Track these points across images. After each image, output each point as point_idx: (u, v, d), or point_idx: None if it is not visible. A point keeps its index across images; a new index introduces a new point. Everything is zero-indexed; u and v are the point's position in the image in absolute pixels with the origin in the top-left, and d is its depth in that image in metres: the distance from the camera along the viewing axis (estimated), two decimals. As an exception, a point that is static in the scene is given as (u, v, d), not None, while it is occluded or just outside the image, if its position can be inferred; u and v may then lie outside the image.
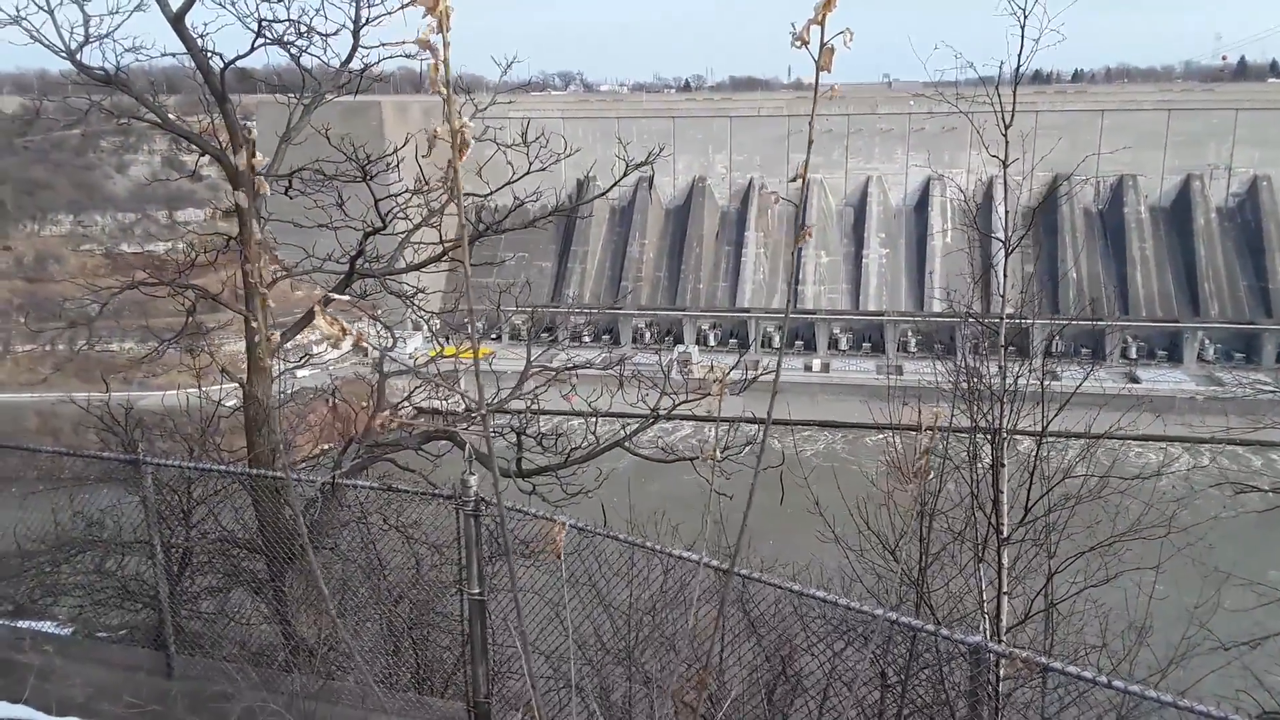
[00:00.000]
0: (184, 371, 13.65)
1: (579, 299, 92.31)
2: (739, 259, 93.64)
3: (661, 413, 11.10)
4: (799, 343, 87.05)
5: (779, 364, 2.89)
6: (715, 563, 6.88)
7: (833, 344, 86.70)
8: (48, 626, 11.89)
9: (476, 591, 9.28)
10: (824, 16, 1.96)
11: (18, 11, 10.80)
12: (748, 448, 10.62)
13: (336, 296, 10.81)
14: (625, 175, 12.36)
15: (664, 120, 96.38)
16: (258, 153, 4.06)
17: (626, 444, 11.56)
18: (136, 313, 19.06)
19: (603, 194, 13.86)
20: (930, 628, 7.29)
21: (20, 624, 11.57)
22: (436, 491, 9.49)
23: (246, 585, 12.24)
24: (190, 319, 12.09)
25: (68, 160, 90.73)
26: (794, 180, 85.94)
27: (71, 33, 11.09)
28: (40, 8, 11.06)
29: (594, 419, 12.36)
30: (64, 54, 11.17)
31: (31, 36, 11.21)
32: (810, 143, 1.86)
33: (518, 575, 9.88)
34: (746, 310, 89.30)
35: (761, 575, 8.07)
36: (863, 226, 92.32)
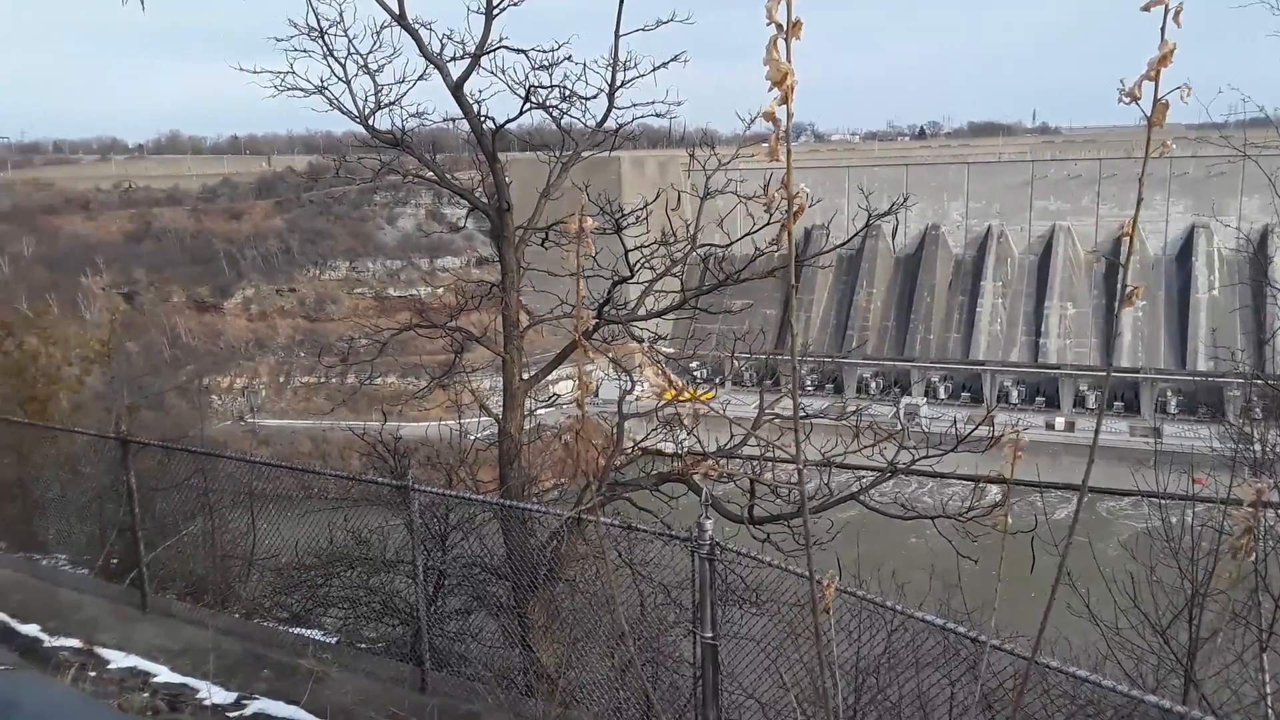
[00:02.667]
0: (447, 406, 14.70)
1: (803, 347, 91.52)
2: (974, 309, 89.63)
3: (900, 467, 10.84)
4: (1040, 399, 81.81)
5: (1098, 424, 2.82)
6: (974, 634, 6.63)
7: (1079, 401, 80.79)
8: (317, 634, 12.94)
9: (709, 635, 9.37)
10: (1158, 71, 1.95)
11: (321, 82, 12.34)
12: (995, 510, 10.15)
13: (665, 350, 11.42)
14: (868, 226, 12.29)
15: (896, 168, 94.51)
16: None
17: (861, 497, 11.37)
18: (398, 350, 20.87)
19: (843, 244, 13.87)
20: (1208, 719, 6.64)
21: (295, 630, 12.74)
22: (673, 533, 9.72)
23: (492, 609, 12.91)
24: (458, 359, 13.13)
25: (346, 213, 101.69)
26: (1112, 239, 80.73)
27: (365, 101, 12.54)
28: (339, 79, 12.57)
29: (828, 469, 12.23)
30: (358, 119, 12.60)
31: (331, 104, 12.74)
32: (1139, 200, 1.86)
33: (745, 622, 9.95)
34: (981, 363, 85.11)
35: (1014, 648, 7.68)
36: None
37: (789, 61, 1.55)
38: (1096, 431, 2.77)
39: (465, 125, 13.18)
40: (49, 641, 10.92)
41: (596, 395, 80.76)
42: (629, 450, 13.86)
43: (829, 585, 2.51)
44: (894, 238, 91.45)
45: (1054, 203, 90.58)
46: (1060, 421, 77.72)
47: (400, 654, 12.61)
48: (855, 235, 13.61)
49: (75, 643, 10.79)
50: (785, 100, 1.60)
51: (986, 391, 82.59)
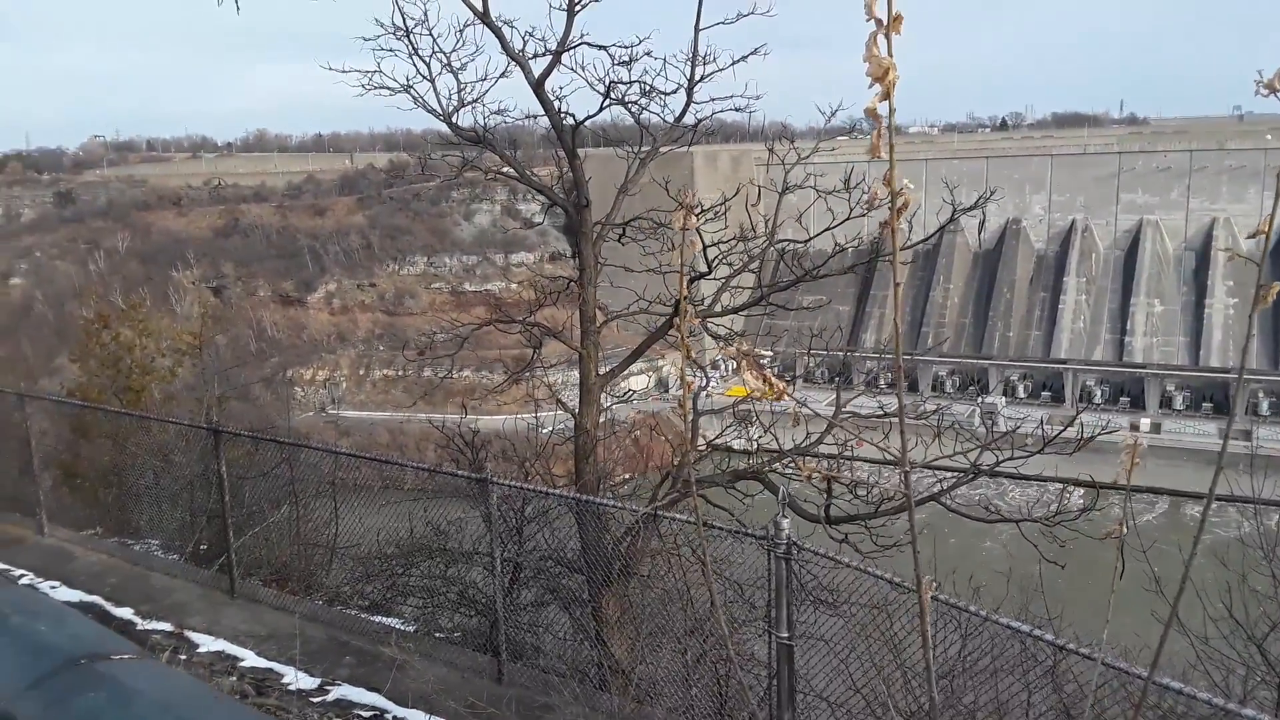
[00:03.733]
0: (521, 400, 14.82)
1: (876, 344, 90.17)
2: (1056, 306, 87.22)
3: (984, 468, 10.58)
4: (1124, 399, 79.24)
5: (1228, 431, 2.70)
6: (1063, 643, 6.43)
7: (1165, 402, 78.05)
8: (395, 622, 13.18)
9: (785, 636, 9.30)
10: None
11: (407, 81, 12.56)
12: (1083, 514, 9.85)
13: (761, 352, 11.41)
14: (952, 220, 12.03)
15: (976, 161, 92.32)
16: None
17: (943, 499, 11.14)
18: (472, 344, 21.20)
19: (927, 239, 13.52)
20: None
21: (375, 618, 13.00)
22: (749, 531, 9.66)
23: (566, 602, 13.01)
24: (535, 354, 13.26)
25: (425, 209, 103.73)
26: (1251, 237, 77.30)
27: (448, 98, 12.72)
28: (424, 77, 12.77)
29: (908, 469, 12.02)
30: (441, 117, 12.79)
31: (415, 102, 12.95)
32: (1278, 194, 1.76)
33: (820, 623, 9.84)
34: (1063, 361, 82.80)
35: (1099, 656, 7.43)
36: (1205, 273, 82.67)
37: (890, 56, 1.51)
38: (1226, 434, 2.64)
39: (540, 121, 13.30)
40: (142, 624, 11.36)
41: (666, 390, 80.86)
42: (703, 447, 13.82)
43: (927, 591, 2.46)
44: (981, 233, 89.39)
45: (1141, 196, 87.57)
46: (1146, 423, 75.18)
47: (476, 644, 12.76)
48: (940, 230, 13.33)
49: (167, 626, 11.21)
50: (887, 96, 1.55)
51: (1068, 391, 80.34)
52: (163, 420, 15.95)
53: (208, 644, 10.79)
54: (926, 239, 12.32)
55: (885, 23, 1.44)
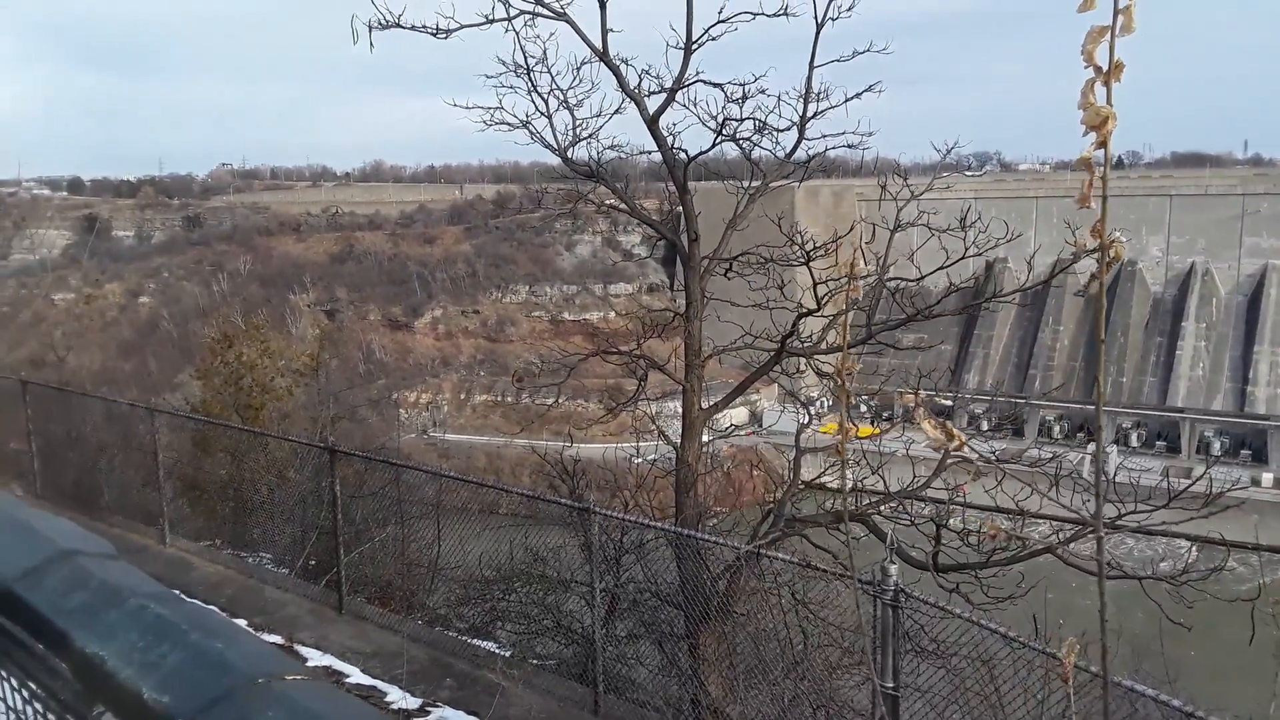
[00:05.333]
0: (620, 431, 14.86)
1: (979, 385, 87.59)
2: (1173, 352, 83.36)
3: (1106, 521, 10.10)
4: (1245, 451, 74.89)
5: None
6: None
7: (1292, 457, 73.48)
8: (492, 646, 13.30)
9: (890, 685, 9.04)
10: None
11: (526, 118, 12.88)
12: (1212, 574, 9.31)
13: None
14: (1075, 260, 11.62)
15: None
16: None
17: (1058, 551, 10.69)
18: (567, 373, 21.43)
19: (1049, 279, 13.03)
20: None
21: (475, 641, 13.15)
22: (854, 575, 9.45)
23: (661, 636, 12.92)
24: (641, 385, 13.33)
25: (528, 239, 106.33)
26: None
27: (565, 134, 13.00)
28: (542, 113, 13.08)
29: (1021, 519, 11.58)
30: (557, 152, 13.07)
31: (532, 137, 13.28)
32: None
33: (926, 674, 9.52)
34: (1179, 410, 78.92)
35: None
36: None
37: (1110, 105, 1.46)
38: None
39: (642, 154, 13.46)
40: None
41: (761, 425, 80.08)
42: (802, 485, 13.61)
43: (1069, 654, 2.35)
44: (1090, 279, 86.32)
45: (1267, 240, 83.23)
46: (1268, 477, 70.90)
47: (571, 673, 12.78)
48: (1060, 270, 12.92)
49: (278, 639, 11.56)
50: (1103, 144, 1.51)
51: (1184, 441, 76.44)
52: (281, 438, 16.57)
53: (316, 659, 11.08)
54: (1050, 278, 11.91)
55: (1105, 70, 1.40)
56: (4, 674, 2.33)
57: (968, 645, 9.21)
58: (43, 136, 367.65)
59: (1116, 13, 1.37)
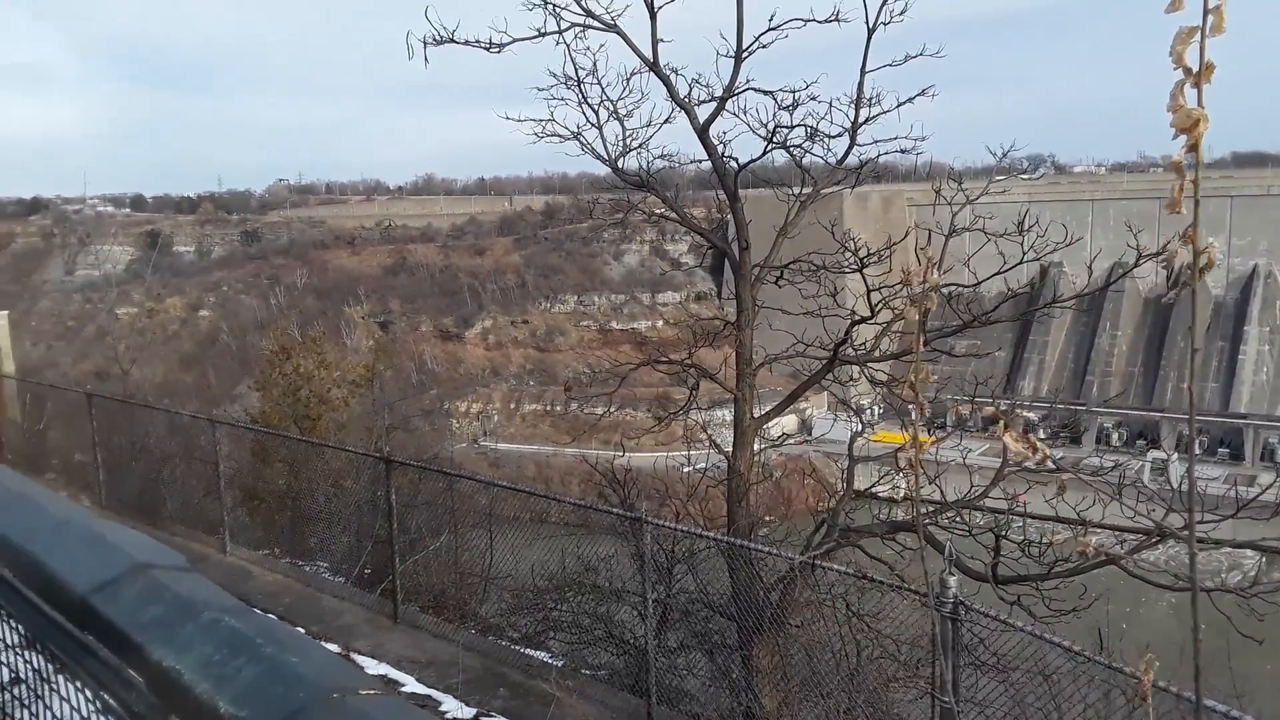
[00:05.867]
0: (669, 439, 14.82)
1: (1035, 392, 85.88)
2: (1235, 357, 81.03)
3: (1173, 531, 9.84)
4: (1314, 461, 72.40)
5: None
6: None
7: (1363, 464, 70.82)
8: (544, 656, 13.32)
9: (949, 700, 8.88)
10: None
11: (577, 129, 12.96)
12: (1287, 586, 8.99)
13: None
14: (1137, 264, 11.37)
15: (1146, 201, 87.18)
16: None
17: (1123, 561, 10.41)
18: (616, 382, 21.45)
19: (1109, 284, 12.58)
20: None
21: (528, 651, 13.18)
22: (912, 588, 9.31)
23: (713, 647, 12.83)
24: (693, 394, 13.30)
25: (576, 249, 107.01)
26: None
27: (615, 144, 13.04)
28: (592, 124, 13.14)
29: (1082, 529, 11.31)
30: (607, 162, 13.11)
31: (583, 148, 13.34)
32: None
33: (985, 688, 9.34)
34: (1242, 416, 76.61)
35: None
36: None
37: (1201, 107, 1.41)
38: None
39: (689, 163, 13.45)
40: (313, 644, 11.90)
41: (810, 433, 79.33)
42: (855, 494, 13.44)
43: (1146, 672, 2.28)
44: (1175, 283, 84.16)
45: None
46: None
47: (623, 683, 12.74)
48: (1124, 274, 12.62)
49: (334, 648, 11.69)
50: (1194, 148, 1.46)
51: (1248, 448, 74.13)
52: (338, 448, 16.80)
53: (372, 667, 11.20)
54: (1110, 284, 11.62)
55: (1195, 72, 1.36)
56: (78, 684, 2.38)
57: (1029, 659, 9.03)
58: (107, 155, 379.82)
59: (1206, 12, 1.32)
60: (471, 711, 10.32)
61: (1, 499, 2.54)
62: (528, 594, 14.32)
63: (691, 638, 13.11)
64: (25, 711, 2.59)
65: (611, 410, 14.90)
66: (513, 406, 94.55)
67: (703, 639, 13.02)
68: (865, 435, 14.08)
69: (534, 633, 14.51)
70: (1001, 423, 2.11)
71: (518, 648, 13.11)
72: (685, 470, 16.90)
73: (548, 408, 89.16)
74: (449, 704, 10.32)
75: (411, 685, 10.89)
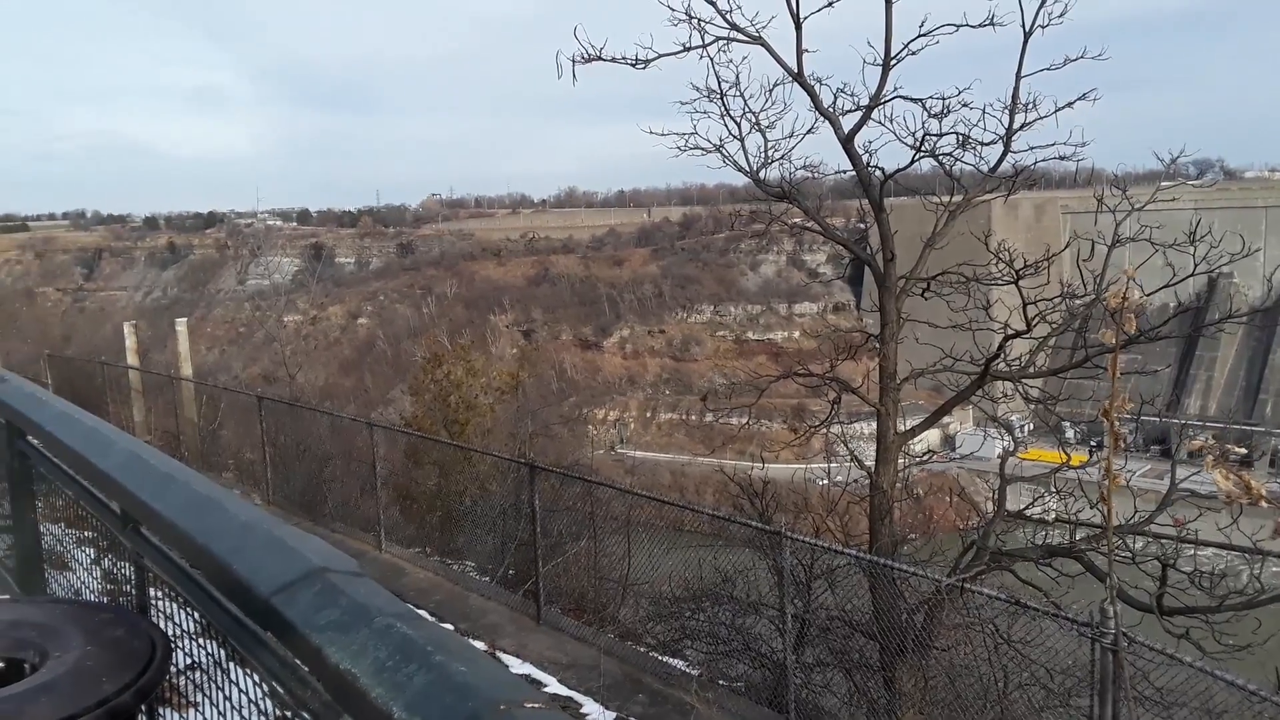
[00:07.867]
0: (804, 452, 14.60)
1: (1201, 411, 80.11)
2: None
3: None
4: None
5: None
6: None
7: None
8: (680, 664, 13.32)
9: (1108, 735, 8.40)
10: None
11: (720, 141, 12.96)
12: None
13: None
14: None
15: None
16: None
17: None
18: (751, 392, 21.27)
19: None
20: None
21: (665, 659, 13.22)
22: (1070, 616, 8.84)
23: (852, 666, 12.55)
24: (835, 408, 13.08)
25: (713, 259, 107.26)
26: None
27: (757, 156, 12.97)
28: (735, 137, 13.10)
29: (1259, 559, 10.49)
30: (749, 174, 13.05)
31: (725, 161, 13.32)
32: None
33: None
34: None
35: None
36: None
37: None
38: None
39: (832, 174, 13.22)
40: (461, 642, 12.30)
41: (954, 449, 76.43)
42: (1007, 515, 12.88)
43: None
44: None
45: None
46: None
47: (759, 697, 12.62)
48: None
49: (481, 645, 12.06)
50: None
51: None
52: (485, 453, 17.36)
53: (516, 667, 11.49)
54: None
55: None
56: (253, 676, 2.54)
57: (1196, 695, 8.47)
58: (276, 172, 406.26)
59: None
60: (612, 716, 10.44)
61: (193, 501, 2.71)
62: (665, 601, 14.40)
63: (830, 655, 12.87)
64: (199, 693, 2.81)
65: (752, 422, 14.76)
66: (649, 415, 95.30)
67: (841, 657, 12.76)
68: (1015, 454, 13.47)
69: (671, 640, 14.55)
70: (1208, 457, 1.98)
71: (655, 655, 13.17)
72: (822, 484, 16.60)
73: (683, 417, 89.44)
74: (590, 707, 10.48)
75: (554, 686, 11.11)
